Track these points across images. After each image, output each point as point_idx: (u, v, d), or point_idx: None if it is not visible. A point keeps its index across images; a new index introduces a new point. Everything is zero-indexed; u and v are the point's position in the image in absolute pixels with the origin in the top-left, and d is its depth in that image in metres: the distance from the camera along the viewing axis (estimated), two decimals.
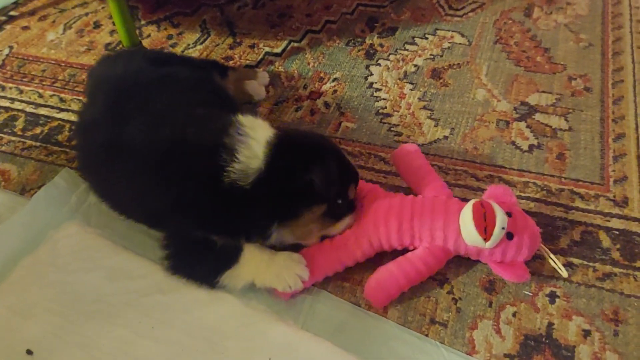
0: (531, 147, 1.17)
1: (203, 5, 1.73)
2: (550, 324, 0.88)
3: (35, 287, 0.97)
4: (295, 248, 0.96)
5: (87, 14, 1.76)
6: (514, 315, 0.89)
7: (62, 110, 1.39)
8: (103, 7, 1.78)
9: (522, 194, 1.07)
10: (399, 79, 1.38)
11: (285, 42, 1.55)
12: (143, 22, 1.69)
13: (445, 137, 1.21)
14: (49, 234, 1.05)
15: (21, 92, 1.47)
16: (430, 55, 1.44)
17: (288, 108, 1.33)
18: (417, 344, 0.86)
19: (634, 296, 0.90)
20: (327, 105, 1.33)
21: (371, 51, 1.48)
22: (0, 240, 1.03)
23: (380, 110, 1.30)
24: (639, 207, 1.04)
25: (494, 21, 1.54)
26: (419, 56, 1.44)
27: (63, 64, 1.55)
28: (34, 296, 0.96)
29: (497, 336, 0.87)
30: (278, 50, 1.52)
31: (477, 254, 0.93)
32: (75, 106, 1.39)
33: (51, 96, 1.44)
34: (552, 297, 0.91)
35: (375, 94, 1.34)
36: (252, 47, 1.54)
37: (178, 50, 1.56)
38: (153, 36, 1.63)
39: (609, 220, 1.02)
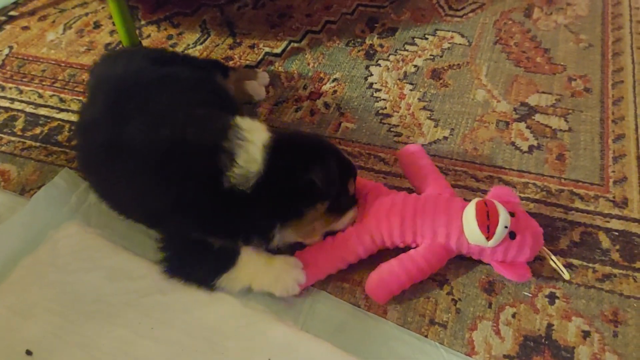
0: (531, 147, 1.17)
1: (203, 5, 1.73)
2: (549, 325, 0.88)
3: (35, 287, 0.97)
4: (294, 249, 0.96)
5: (87, 14, 1.76)
6: (513, 316, 0.89)
7: (62, 110, 1.39)
8: (103, 7, 1.78)
9: (522, 195, 1.07)
10: (399, 79, 1.38)
11: (285, 43, 1.55)
12: (143, 22, 1.69)
13: (445, 138, 1.21)
14: (49, 234, 1.05)
15: (21, 92, 1.47)
16: (430, 55, 1.44)
17: (288, 108, 1.33)
18: (416, 344, 0.86)
19: (633, 297, 0.90)
20: (327, 105, 1.33)
21: (371, 51, 1.48)
22: (0, 240, 1.03)
23: (380, 111, 1.30)
24: (638, 208, 1.04)
25: (494, 22, 1.54)
26: (419, 57, 1.44)
27: (63, 64, 1.55)
28: (33, 296, 0.96)
29: (496, 337, 0.87)
30: (278, 50, 1.52)
31: (479, 253, 0.93)
32: (75, 106, 1.39)
33: (51, 96, 1.44)
34: (552, 298, 0.91)
35: (375, 95, 1.34)
36: (252, 47, 1.54)
37: (178, 50, 1.55)
38: (153, 36, 1.63)
39: (608, 221, 1.02)
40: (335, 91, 1.37)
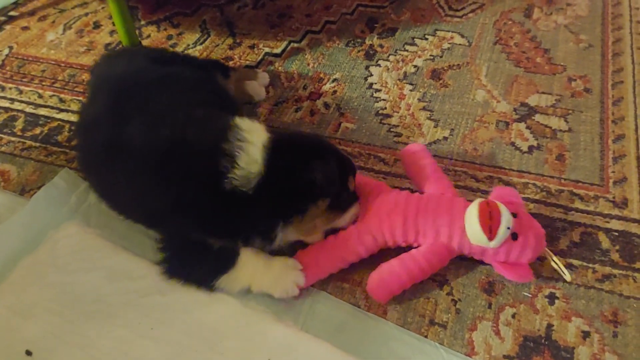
0: (531, 148, 1.17)
1: (203, 5, 1.73)
2: (549, 325, 0.88)
3: (35, 287, 0.97)
4: (294, 250, 0.96)
5: (86, 14, 1.76)
6: (513, 316, 0.89)
7: (61, 110, 1.39)
8: (103, 8, 1.78)
9: (522, 195, 1.06)
10: (399, 79, 1.38)
11: (285, 43, 1.55)
12: (143, 22, 1.69)
13: (445, 138, 1.21)
14: (48, 234, 1.05)
15: (21, 92, 1.47)
16: (430, 56, 1.44)
17: (288, 109, 1.33)
18: (416, 345, 0.86)
19: (633, 297, 0.90)
20: (326, 105, 1.33)
21: (371, 52, 1.48)
22: (0, 241, 1.03)
23: (380, 111, 1.30)
24: (638, 209, 1.04)
25: (494, 22, 1.54)
26: (419, 57, 1.44)
27: (63, 64, 1.55)
28: (33, 296, 0.96)
29: (496, 337, 0.87)
30: (278, 50, 1.52)
31: (480, 254, 0.93)
32: (74, 107, 1.39)
33: (51, 96, 1.44)
34: (552, 298, 0.91)
35: (375, 95, 1.34)
36: (251, 47, 1.54)
37: (178, 50, 1.55)
38: (153, 36, 1.63)
39: (608, 222, 1.02)
40: (335, 91, 1.37)
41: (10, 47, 1.64)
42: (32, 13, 1.79)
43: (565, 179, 1.10)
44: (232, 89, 1.29)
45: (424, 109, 1.29)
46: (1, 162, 1.26)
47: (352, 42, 1.52)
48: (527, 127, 1.22)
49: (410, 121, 1.26)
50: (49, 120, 1.36)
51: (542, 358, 0.84)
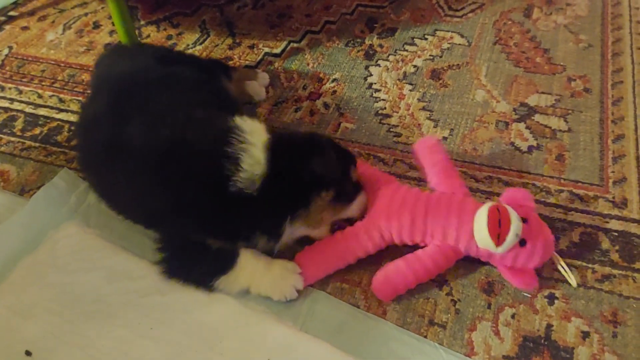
0: (530, 148, 1.17)
1: (203, 5, 1.73)
2: (549, 326, 0.88)
3: (34, 287, 0.98)
4: (292, 253, 0.96)
5: (86, 14, 1.76)
6: (512, 316, 0.89)
7: (61, 110, 1.39)
8: (102, 8, 1.78)
9: None
10: (399, 79, 1.38)
11: (285, 43, 1.54)
12: (142, 22, 1.69)
13: (445, 138, 1.21)
14: (48, 235, 1.05)
15: (20, 92, 1.47)
16: (430, 56, 1.44)
17: (287, 109, 1.33)
18: (416, 345, 0.86)
19: (632, 298, 0.90)
20: (326, 105, 1.33)
21: (370, 52, 1.48)
22: (0, 241, 1.03)
23: (380, 111, 1.30)
24: (638, 209, 1.04)
25: (494, 22, 1.54)
26: (419, 57, 1.44)
27: (62, 64, 1.55)
28: (33, 296, 0.96)
29: (495, 338, 0.87)
30: (277, 50, 1.52)
31: (487, 257, 0.92)
32: (74, 107, 1.39)
33: (50, 96, 1.44)
34: (551, 298, 0.91)
35: (374, 95, 1.34)
36: (251, 47, 1.54)
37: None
38: (152, 36, 1.62)
39: (608, 222, 1.02)
40: (334, 91, 1.37)
41: (10, 47, 1.64)
42: (31, 13, 1.79)
43: (564, 179, 1.10)
44: (233, 89, 1.29)
45: (423, 109, 1.29)
46: (1, 162, 1.26)
47: (352, 42, 1.52)
48: (527, 127, 1.22)
49: (409, 121, 1.26)
50: (48, 121, 1.36)
51: (542, 358, 0.84)
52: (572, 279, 0.92)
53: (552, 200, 1.06)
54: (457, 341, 0.87)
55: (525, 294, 0.92)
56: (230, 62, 1.49)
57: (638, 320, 0.87)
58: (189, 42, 1.58)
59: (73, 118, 1.35)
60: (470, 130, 1.22)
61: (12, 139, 1.32)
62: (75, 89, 1.45)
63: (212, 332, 0.89)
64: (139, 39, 1.49)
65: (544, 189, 1.08)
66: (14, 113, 1.40)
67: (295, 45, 1.53)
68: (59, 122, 1.35)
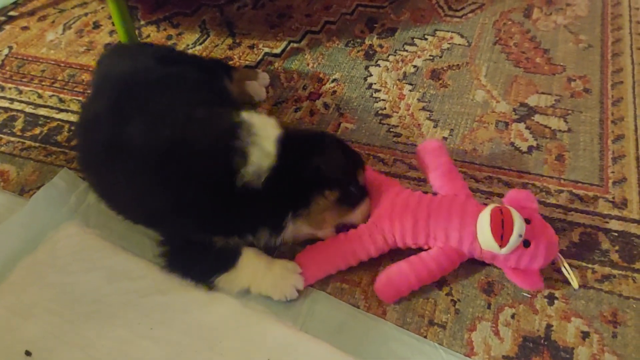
0: (530, 148, 1.17)
1: (203, 5, 1.73)
2: (548, 326, 0.88)
3: (34, 287, 0.97)
4: (293, 253, 0.96)
5: (86, 14, 1.76)
6: (512, 317, 0.89)
7: (61, 110, 1.39)
8: (102, 8, 1.78)
9: None
10: (398, 79, 1.38)
11: (285, 43, 1.55)
12: (142, 22, 1.69)
13: (445, 138, 1.21)
14: (48, 235, 1.05)
15: (20, 92, 1.47)
16: (430, 56, 1.44)
17: (287, 109, 1.33)
18: (415, 345, 0.86)
19: (632, 298, 0.90)
20: (326, 106, 1.33)
21: (370, 52, 1.48)
22: None
23: (380, 111, 1.30)
24: (637, 209, 1.04)
25: (494, 22, 1.54)
26: (419, 57, 1.44)
27: (62, 64, 1.55)
28: (33, 296, 0.96)
29: (495, 338, 0.87)
30: (277, 50, 1.52)
31: (491, 258, 0.92)
32: (74, 107, 1.39)
33: (50, 96, 1.44)
34: (551, 298, 0.91)
35: (374, 95, 1.34)
36: (251, 47, 1.54)
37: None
38: (152, 36, 1.63)
39: (607, 222, 1.02)
40: (334, 91, 1.37)
41: (10, 47, 1.64)
42: (31, 13, 1.79)
43: (564, 180, 1.10)
44: (233, 89, 1.29)
45: (423, 109, 1.29)
46: (0, 162, 1.26)
47: (352, 42, 1.52)
48: (527, 128, 1.22)
49: (409, 121, 1.26)
50: (48, 120, 1.36)
51: (542, 358, 0.84)
52: (575, 281, 0.92)
53: (551, 200, 1.06)
54: (457, 341, 0.87)
55: (525, 294, 0.92)
56: (230, 62, 1.49)
57: (638, 321, 0.87)
58: (189, 42, 1.58)
59: (73, 118, 1.35)
60: (470, 131, 1.22)
61: (12, 139, 1.32)
62: (75, 89, 1.45)
63: (212, 332, 0.89)
64: (138, 39, 1.49)
65: (544, 189, 1.08)
66: (14, 113, 1.40)
67: (295, 45, 1.54)
68: (59, 122, 1.35)
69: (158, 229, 0.99)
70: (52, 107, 1.40)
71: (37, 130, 1.34)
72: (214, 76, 1.24)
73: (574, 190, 1.08)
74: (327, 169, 0.90)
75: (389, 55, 1.46)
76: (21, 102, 1.43)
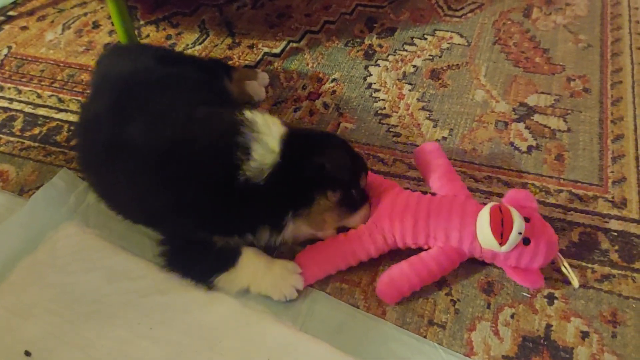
0: (530, 148, 1.17)
1: (202, 5, 1.73)
2: (548, 326, 0.88)
3: (34, 287, 0.97)
4: (293, 253, 0.96)
5: (85, 14, 1.76)
6: (512, 316, 0.89)
7: (60, 110, 1.39)
8: (102, 7, 1.78)
9: None
10: (398, 79, 1.38)
11: (284, 43, 1.54)
12: (142, 22, 1.69)
13: (444, 138, 1.21)
14: (47, 235, 1.05)
15: (20, 92, 1.47)
16: (429, 55, 1.44)
17: (287, 109, 1.33)
18: (415, 345, 0.86)
19: (632, 298, 0.90)
20: (326, 105, 1.33)
21: (370, 52, 1.48)
22: None
23: (379, 111, 1.30)
24: (637, 209, 1.04)
25: (493, 22, 1.54)
26: (418, 57, 1.44)
27: (62, 64, 1.55)
28: (33, 297, 0.96)
29: (495, 338, 0.87)
30: (277, 50, 1.52)
31: (491, 258, 0.92)
32: (73, 106, 1.39)
33: (50, 96, 1.44)
34: (551, 298, 0.91)
35: (374, 95, 1.34)
36: (251, 47, 1.54)
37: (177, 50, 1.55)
38: (152, 36, 1.62)
39: (607, 222, 1.02)
40: (334, 91, 1.37)
41: (9, 47, 1.64)
42: (31, 13, 1.79)
43: (564, 179, 1.10)
44: (233, 89, 1.29)
45: (423, 108, 1.29)
46: (0, 162, 1.25)
47: (351, 42, 1.52)
48: (526, 127, 1.22)
49: (409, 121, 1.26)
50: (47, 120, 1.36)
51: (541, 358, 0.84)
52: (575, 280, 0.92)
53: (551, 200, 1.06)
54: (457, 341, 0.87)
55: (524, 294, 0.92)
56: (230, 62, 1.49)
57: (637, 320, 0.87)
58: (188, 42, 1.58)
59: (72, 118, 1.35)
60: (470, 130, 1.22)
61: (12, 138, 1.32)
62: (75, 89, 1.45)
63: (212, 332, 0.89)
64: (138, 38, 1.49)
65: (543, 189, 1.08)
66: (13, 113, 1.40)
67: (294, 45, 1.53)
68: (58, 122, 1.35)
69: (158, 229, 0.99)
70: (51, 107, 1.40)
71: (36, 130, 1.34)
72: (213, 76, 1.24)
73: (573, 190, 1.08)
74: (331, 169, 0.90)
75: (388, 55, 1.46)
76: (20, 102, 1.43)
